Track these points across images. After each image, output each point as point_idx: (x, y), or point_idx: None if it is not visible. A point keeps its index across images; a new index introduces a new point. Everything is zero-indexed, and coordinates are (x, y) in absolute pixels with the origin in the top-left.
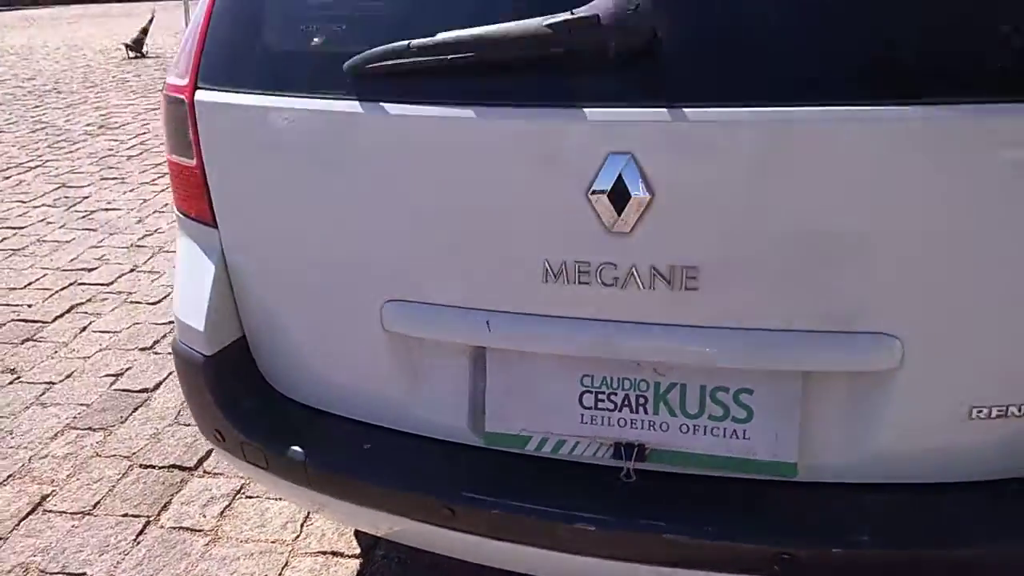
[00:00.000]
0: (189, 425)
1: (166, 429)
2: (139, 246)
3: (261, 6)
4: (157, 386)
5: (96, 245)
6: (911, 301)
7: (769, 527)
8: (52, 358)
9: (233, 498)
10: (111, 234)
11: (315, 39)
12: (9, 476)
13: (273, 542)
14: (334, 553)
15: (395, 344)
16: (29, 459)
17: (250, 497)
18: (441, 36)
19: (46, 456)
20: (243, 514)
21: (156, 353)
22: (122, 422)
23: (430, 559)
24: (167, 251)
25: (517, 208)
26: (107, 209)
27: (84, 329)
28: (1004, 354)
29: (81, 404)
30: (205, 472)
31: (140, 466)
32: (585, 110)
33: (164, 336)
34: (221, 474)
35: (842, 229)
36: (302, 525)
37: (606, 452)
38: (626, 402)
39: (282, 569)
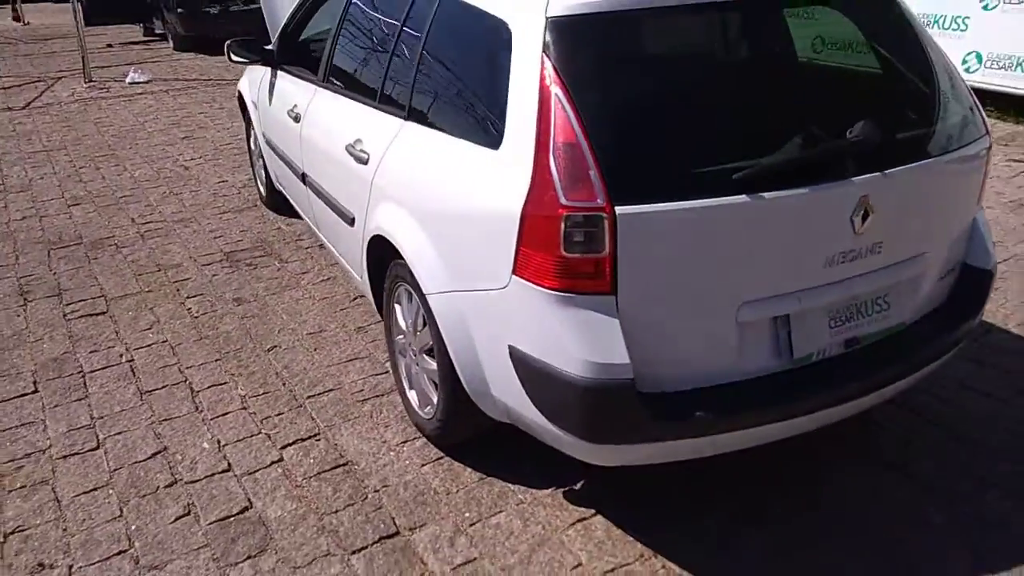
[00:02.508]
0: None
1: None
2: None
3: (650, 134)
4: None
5: None
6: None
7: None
8: None
9: None
10: None
11: (698, 153)
12: None
13: None
14: None
15: (738, 329)
16: None
17: None
18: (796, 151)
19: None
20: None
21: None
22: None
23: None
24: None
25: (820, 233)
26: None
27: None
28: None
29: None
30: None
31: None
32: (851, 179)
33: None
34: None
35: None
36: None
37: (842, 347)
38: (848, 317)
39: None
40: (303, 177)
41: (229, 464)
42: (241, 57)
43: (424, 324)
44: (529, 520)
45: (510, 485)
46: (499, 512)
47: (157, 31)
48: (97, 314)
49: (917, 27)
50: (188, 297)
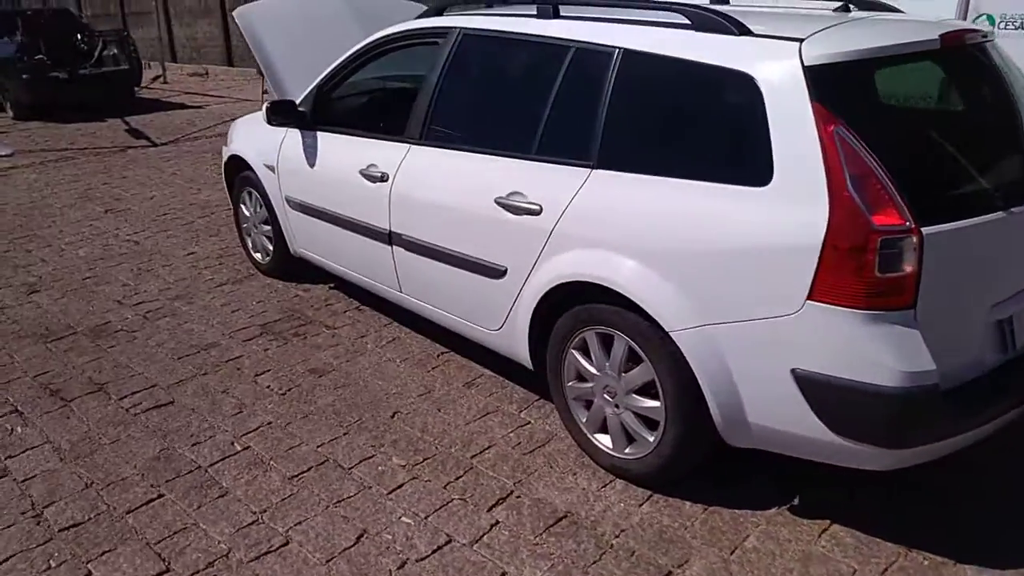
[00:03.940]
0: None
1: None
2: None
3: (925, 160)
4: None
5: None
6: None
7: None
8: None
9: None
10: None
11: (965, 176)
12: None
13: None
14: None
15: (986, 328)
16: None
17: None
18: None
19: None
20: None
21: None
22: None
23: None
24: None
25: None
26: None
27: None
28: None
29: None
30: None
31: None
32: None
33: None
34: None
35: None
36: None
37: None
38: None
39: None
40: (389, 237)
41: (449, 536)
42: (280, 121)
43: (632, 365)
44: (780, 540)
45: (735, 511)
46: (746, 537)
47: None
48: (165, 404)
49: None
50: (257, 375)
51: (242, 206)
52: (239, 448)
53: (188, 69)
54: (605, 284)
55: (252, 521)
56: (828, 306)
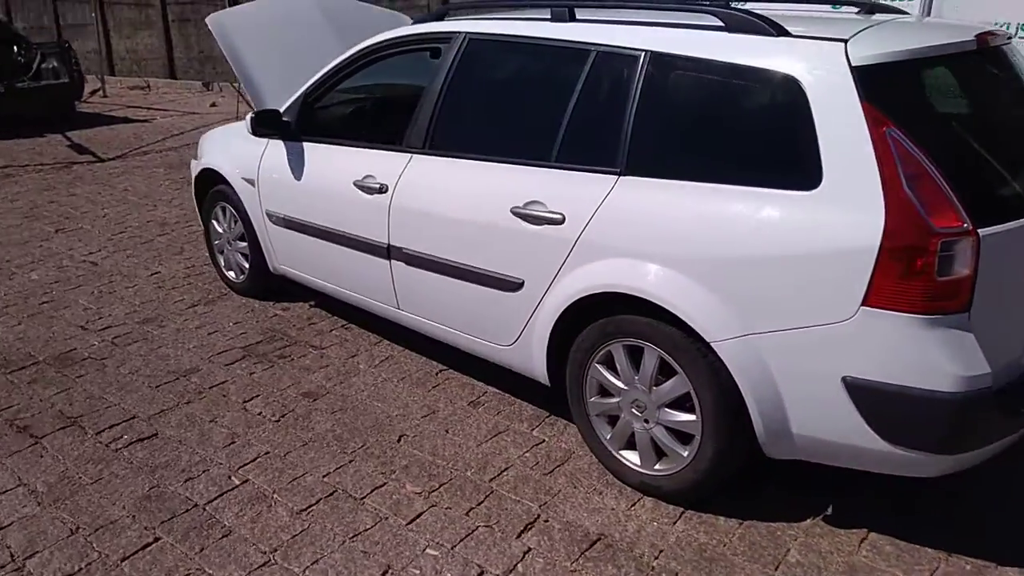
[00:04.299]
0: None
1: None
2: None
3: (976, 161)
4: None
5: None
6: None
7: None
8: None
9: None
10: None
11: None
12: None
13: None
14: None
15: None
16: None
17: None
18: None
19: None
20: None
21: None
22: None
23: None
24: None
25: None
26: None
27: None
28: None
29: None
30: None
31: None
32: None
33: None
34: None
35: None
36: None
37: None
38: None
39: None
40: (388, 251)
41: (481, 567)
42: (267, 131)
43: (664, 378)
44: (821, 553)
45: (771, 524)
46: (788, 551)
47: None
48: (148, 437)
49: None
50: (246, 401)
51: (214, 222)
52: (237, 482)
53: (128, 82)
54: (639, 295)
55: (264, 563)
56: (883, 311)
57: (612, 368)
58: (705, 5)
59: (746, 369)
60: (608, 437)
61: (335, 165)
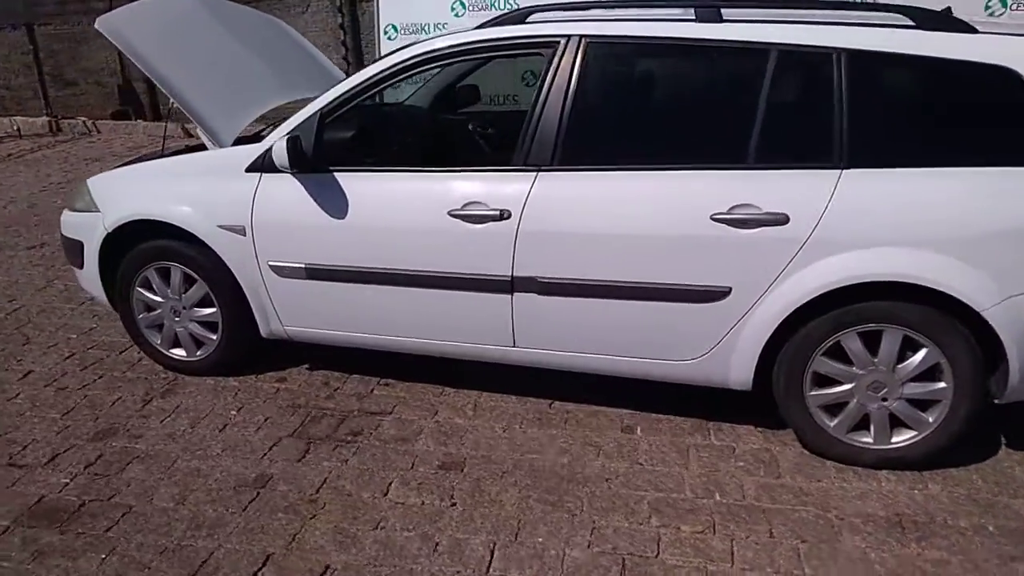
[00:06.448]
0: None
1: None
2: None
3: None
4: None
5: None
6: None
7: None
8: None
9: None
10: None
11: None
12: None
13: None
14: None
15: None
16: None
17: None
18: None
19: None
20: None
21: None
22: None
23: None
24: None
25: None
26: None
27: None
28: None
29: None
30: None
31: None
32: None
33: None
34: None
35: None
36: None
37: None
38: None
39: None
40: (511, 284)
41: None
42: (305, 166)
43: (906, 355)
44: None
45: (981, 465)
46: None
47: None
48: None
49: None
50: (384, 494)
51: (141, 291)
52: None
53: None
54: (905, 280)
55: None
56: None
57: (839, 358)
58: (884, 4)
59: (1007, 326)
60: (833, 425)
61: (404, 196)
